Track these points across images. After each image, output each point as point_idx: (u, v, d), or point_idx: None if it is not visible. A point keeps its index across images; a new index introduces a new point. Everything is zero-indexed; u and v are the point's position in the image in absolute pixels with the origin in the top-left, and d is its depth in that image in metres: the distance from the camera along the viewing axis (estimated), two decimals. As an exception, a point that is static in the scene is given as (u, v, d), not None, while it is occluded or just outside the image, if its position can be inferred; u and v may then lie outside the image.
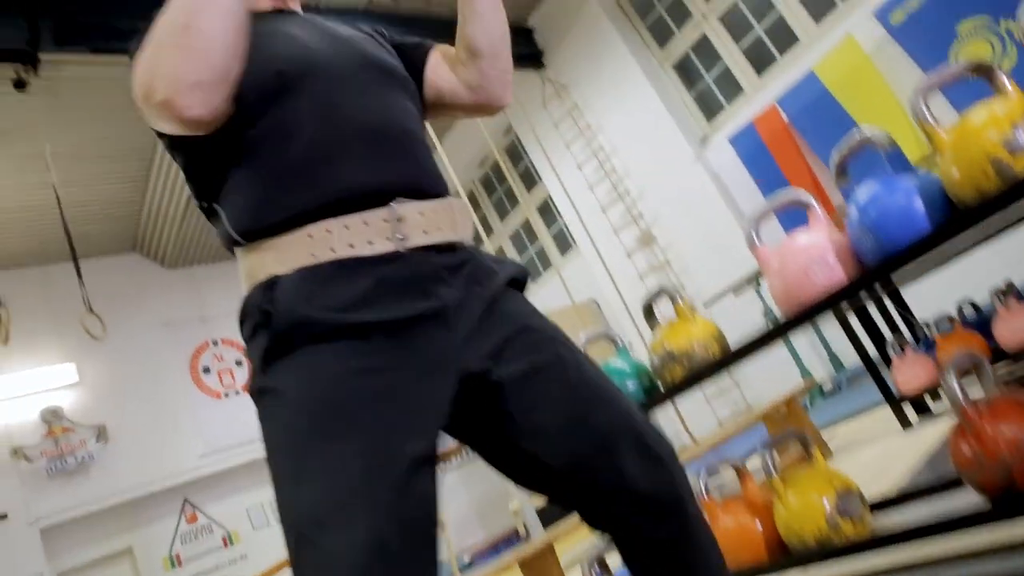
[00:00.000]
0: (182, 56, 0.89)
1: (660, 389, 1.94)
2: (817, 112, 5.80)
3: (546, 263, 9.36)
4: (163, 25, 0.90)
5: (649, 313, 2.06)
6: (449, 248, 1.01)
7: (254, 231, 0.97)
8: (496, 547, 8.26)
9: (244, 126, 0.98)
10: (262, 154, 0.98)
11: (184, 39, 0.89)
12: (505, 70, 1.20)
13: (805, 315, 1.52)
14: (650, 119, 7.06)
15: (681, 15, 6.89)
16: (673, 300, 1.96)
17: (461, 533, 8.54)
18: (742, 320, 6.62)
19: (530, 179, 9.00)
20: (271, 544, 8.60)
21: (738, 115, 6.57)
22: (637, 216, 7.48)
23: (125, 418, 7.91)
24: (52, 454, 7.49)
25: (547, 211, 8.94)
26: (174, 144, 1.03)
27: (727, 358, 1.73)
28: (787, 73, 6.14)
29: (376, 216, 0.95)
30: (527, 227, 9.30)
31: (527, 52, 7.64)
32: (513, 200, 9.27)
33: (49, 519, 7.32)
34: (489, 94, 1.20)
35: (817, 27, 6.00)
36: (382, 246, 0.95)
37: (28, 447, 7.41)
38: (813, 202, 1.64)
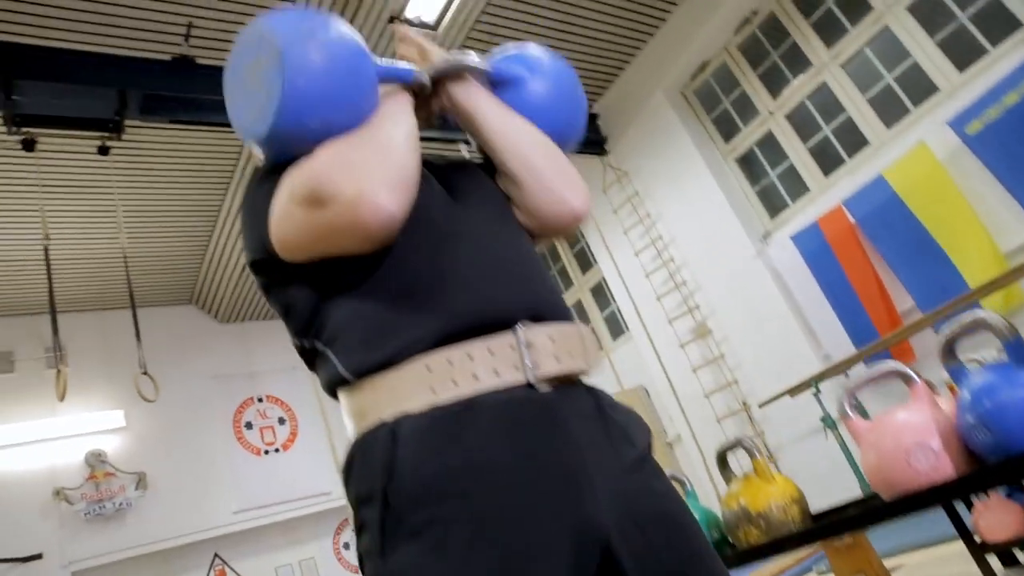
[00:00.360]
0: (376, 155, 0.87)
1: (733, 545, 1.83)
2: (886, 216, 5.69)
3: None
4: (341, 143, 0.90)
5: (723, 463, 1.97)
6: (580, 378, 0.95)
7: (366, 367, 0.89)
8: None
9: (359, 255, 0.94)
10: (376, 282, 0.92)
11: (374, 143, 0.89)
12: (553, 184, 1.06)
13: (908, 504, 1.41)
14: (711, 211, 7.02)
15: (747, 110, 6.91)
16: (751, 454, 1.87)
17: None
18: (796, 421, 6.44)
19: (585, 261, 8.99)
20: (295, 608, 8.45)
21: (802, 213, 6.49)
22: (693, 307, 7.37)
23: (165, 467, 7.96)
24: (92, 498, 7.54)
25: (600, 293, 8.90)
26: (285, 278, 0.98)
27: (811, 531, 1.63)
28: (855, 175, 6.06)
29: (502, 342, 0.87)
30: (579, 308, 9.25)
31: (591, 138, 7.73)
32: (567, 280, 9.26)
33: (82, 563, 7.33)
34: (544, 215, 1.07)
35: (888, 131, 5.93)
36: (510, 376, 0.87)
37: (70, 489, 7.48)
38: (916, 377, 1.55)
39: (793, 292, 6.44)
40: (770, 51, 6.69)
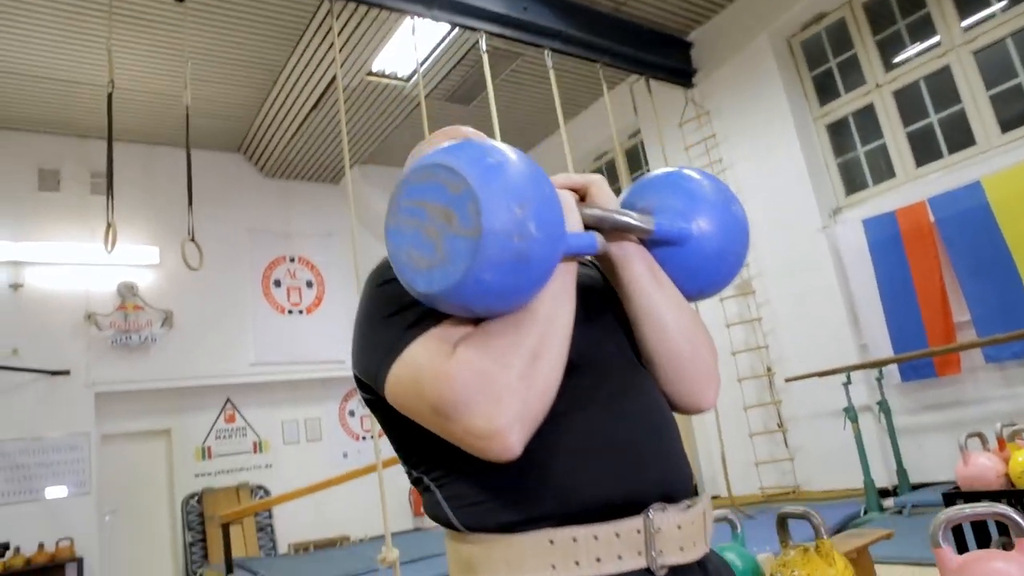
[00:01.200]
0: (523, 389, 0.80)
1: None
2: (970, 225, 5.39)
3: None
4: (508, 344, 0.81)
5: (783, 525, 1.92)
6: (700, 566, 0.92)
7: (482, 527, 0.87)
8: None
9: None
10: None
11: (532, 371, 0.81)
12: (693, 381, 1.01)
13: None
14: (786, 172, 6.69)
15: (853, 76, 6.41)
16: (817, 532, 1.81)
17: None
18: (816, 401, 6.43)
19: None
20: (297, 462, 8.90)
21: (881, 198, 6.17)
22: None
23: (192, 310, 8.14)
24: (120, 327, 7.78)
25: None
26: (394, 418, 0.94)
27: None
28: (950, 173, 5.70)
29: (629, 527, 0.86)
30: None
31: (679, 66, 7.27)
32: (617, 202, 9.03)
33: (105, 386, 7.67)
34: (673, 400, 1.03)
35: (1001, 136, 5.51)
36: (633, 562, 0.85)
37: (101, 315, 7.70)
38: (1021, 523, 1.46)
39: (849, 276, 6.23)
40: (897, 17, 6.11)
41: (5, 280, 7.37)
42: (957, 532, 3.10)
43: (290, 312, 9.13)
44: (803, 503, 6.50)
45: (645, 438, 0.92)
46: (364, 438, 9.57)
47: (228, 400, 8.77)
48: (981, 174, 5.37)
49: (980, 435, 3.06)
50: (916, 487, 5.73)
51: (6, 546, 6.63)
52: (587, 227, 0.93)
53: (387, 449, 7.41)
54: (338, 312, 9.26)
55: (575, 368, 0.89)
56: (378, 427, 9.32)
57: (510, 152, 0.79)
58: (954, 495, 3.02)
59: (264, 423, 8.96)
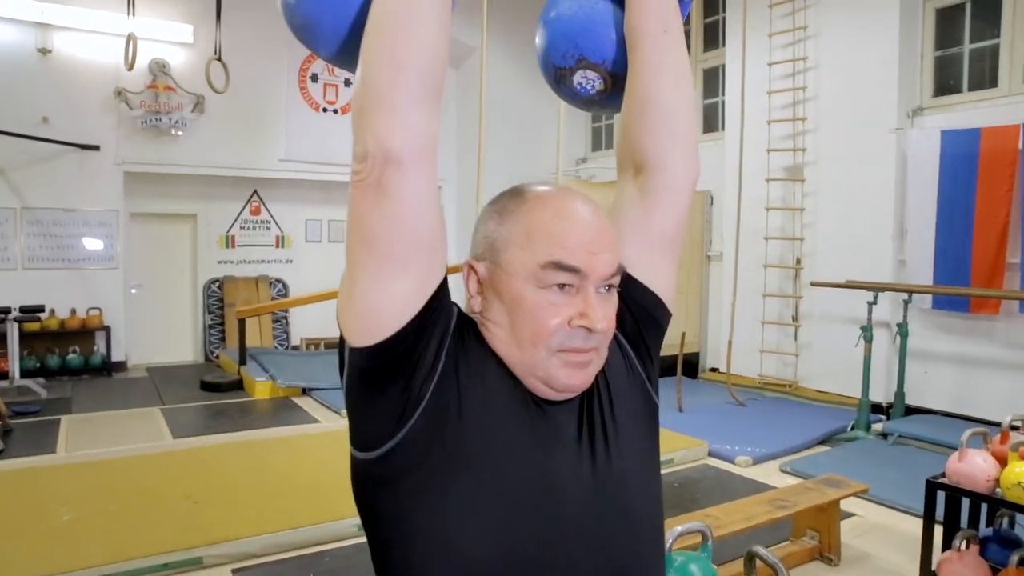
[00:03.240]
0: (397, 32, 0.75)
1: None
2: (1058, 163, 4.91)
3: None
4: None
5: (750, 562, 1.93)
6: None
7: None
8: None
9: (456, 482, 0.78)
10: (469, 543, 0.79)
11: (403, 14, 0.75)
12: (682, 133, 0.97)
13: None
14: (875, 57, 6.00)
15: (986, -45, 5.51)
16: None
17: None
18: (834, 307, 6.31)
19: (713, 36, 7.99)
20: (317, 260, 9.11)
21: (971, 110, 5.57)
22: (799, 147, 6.71)
23: (224, 98, 7.83)
24: (150, 107, 7.60)
25: (712, 79, 8.05)
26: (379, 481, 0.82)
27: None
28: (1059, 98, 5.09)
29: None
30: (683, 83, 8.44)
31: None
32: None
33: (134, 166, 7.68)
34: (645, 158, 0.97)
35: None
36: None
37: (131, 92, 7.49)
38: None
39: (908, 188, 5.82)
40: None
41: (32, 43, 7.09)
42: (952, 502, 3.14)
43: (324, 110, 8.84)
44: (797, 398, 6.66)
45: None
46: (386, 244, 9.70)
47: (255, 192, 8.80)
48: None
49: (985, 434, 2.98)
50: (910, 411, 5.79)
51: (42, 308, 7.04)
52: None
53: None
54: (373, 117, 8.94)
55: (533, 564, 0.79)
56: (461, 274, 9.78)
57: None
58: (939, 485, 3.01)
59: (288, 219, 9.06)
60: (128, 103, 7.43)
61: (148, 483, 4.19)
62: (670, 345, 7.54)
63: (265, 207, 8.89)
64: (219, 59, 4.28)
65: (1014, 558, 2.81)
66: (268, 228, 8.93)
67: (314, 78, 8.74)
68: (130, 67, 3.86)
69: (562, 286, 0.80)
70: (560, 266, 0.79)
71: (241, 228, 8.75)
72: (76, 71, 7.29)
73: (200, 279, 8.53)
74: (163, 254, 8.41)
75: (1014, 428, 3.02)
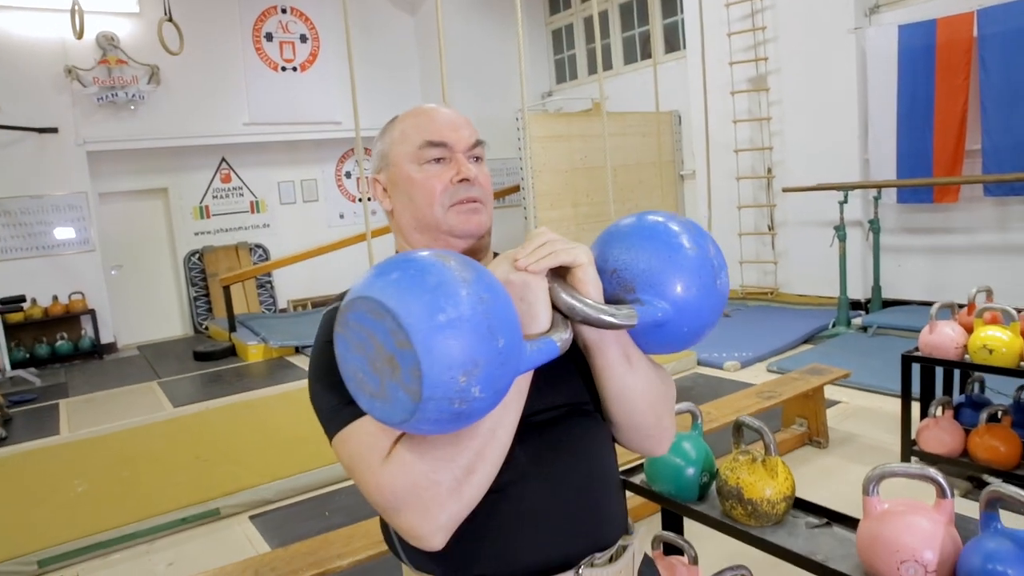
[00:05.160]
0: (452, 504, 0.83)
1: (713, 503, 2.02)
2: (1014, 47, 4.98)
3: (645, 53, 8.59)
4: (444, 457, 0.82)
5: (738, 431, 2.06)
6: None
7: (431, 572, 0.98)
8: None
9: None
10: None
11: (463, 486, 0.83)
12: (649, 438, 1.06)
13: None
14: (828, -42, 5.99)
15: None
16: (767, 448, 1.95)
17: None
18: (808, 211, 6.43)
19: (666, -46, 7.88)
20: (294, 222, 9.09)
21: (927, 3, 5.60)
22: (761, 57, 6.73)
23: (180, 66, 7.70)
24: (104, 83, 7.44)
25: (669, -1, 8.00)
26: None
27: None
28: (1008, -19, 5.12)
29: None
30: (642, 4, 8.36)
31: None
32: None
33: (96, 144, 7.55)
34: (628, 447, 1.10)
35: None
36: None
37: (82, 69, 7.32)
38: (946, 487, 1.56)
39: (869, 87, 5.88)
40: None
41: (-28, 27, 6.89)
42: (927, 373, 3.31)
43: (283, 69, 8.69)
44: (779, 304, 6.83)
45: (579, 499, 0.98)
46: (360, 200, 9.68)
47: (223, 160, 8.71)
48: (1043, -12, 4.83)
49: (952, 306, 3.13)
50: (887, 304, 5.98)
51: (23, 298, 7.01)
52: (560, 312, 0.88)
53: (376, 219, 7.57)
54: (334, 70, 8.82)
55: (518, 439, 0.90)
56: (369, 192, 9.50)
57: (467, 294, 0.72)
58: (913, 358, 3.16)
59: (260, 184, 8.99)
60: (81, 80, 7.27)
61: (157, 450, 4.28)
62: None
63: (235, 173, 8.81)
64: (170, 19, 4.19)
65: (983, 416, 2.99)
66: (241, 194, 8.87)
67: (269, 37, 8.57)
68: (79, 35, 3.77)
69: (438, 160, 1.00)
70: (431, 143, 0.99)
71: (214, 197, 8.69)
72: (21, 52, 7.10)
73: (179, 252, 8.50)
74: (139, 232, 8.35)
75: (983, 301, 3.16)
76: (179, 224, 8.47)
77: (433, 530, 0.83)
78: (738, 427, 2.06)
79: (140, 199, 8.31)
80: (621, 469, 2.18)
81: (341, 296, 0.93)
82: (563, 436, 0.99)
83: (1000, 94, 5.07)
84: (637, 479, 2.18)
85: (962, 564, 1.47)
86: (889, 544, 1.55)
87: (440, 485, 0.82)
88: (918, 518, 1.56)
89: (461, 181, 0.99)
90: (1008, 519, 1.48)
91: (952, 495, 1.56)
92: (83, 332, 7.61)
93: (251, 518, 3.42)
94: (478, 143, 1.03)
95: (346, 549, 2.36)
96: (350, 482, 3.73)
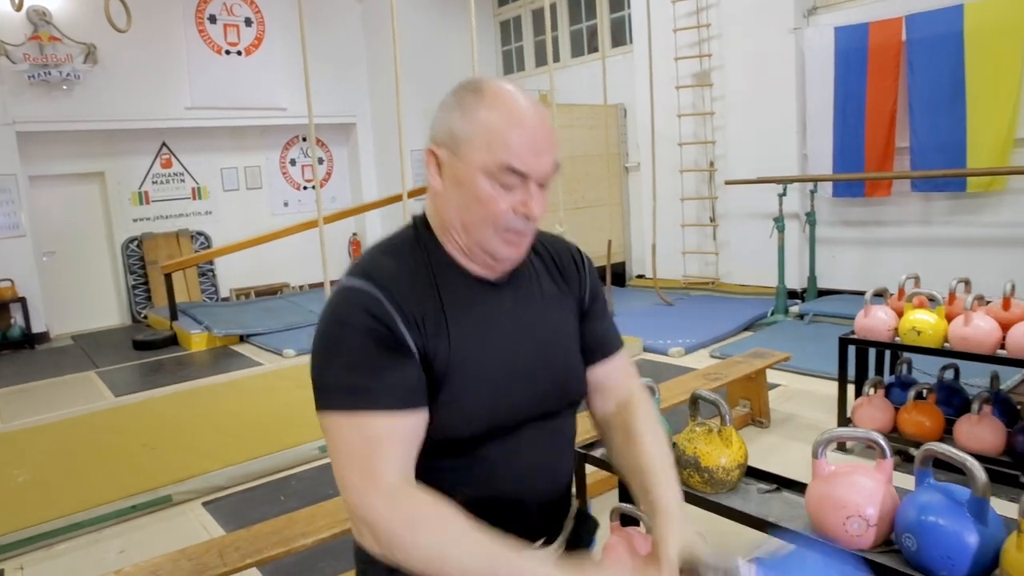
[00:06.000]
0: (414, 560, 0.87)
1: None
2: (938, 51, 5.28)
3: (592, 47, 8.72)
4: (424, 541, 0.87)
5: (694, 404, 2.15)
6: None
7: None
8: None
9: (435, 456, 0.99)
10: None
11: (424, 567, 0.87)
12: None
13: (828, 550, 1.67)
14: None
15: None
16: (723, 420, 2.05)
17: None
18: (748, 202, 6.67)
19: (614, -51, 8.01)
20: (237, 209, 8.91)
21: (859, 7, 5.88)
22: (705, 53, 6.93)
23: (118, 45, 7.43)
24: (36, 60, 7.13)
25: (617, -7, 8.13)
26: None
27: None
28: (936, -10, 5.42)
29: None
30: (590, 1, 8.49)
31: None
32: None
33: (26, 125, 7.24)
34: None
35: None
36: None
37: (11, 45, 7.00)
38: (886, 448, 1.69)
39: (807, 85, 6.14)
40: None
41: None
42: (861, 355, 3.51)
43: (228, 52, 8.49)
44: (721, 294, 7.06)
45: (532, 498, 1.08)
46: (305, 188, 9.55)
47: (164, 144, 8.45)
48: (968, -2, 5.13)
49: (884, 292, 3.33)
50: (823, 293, 6.26)
51: (-55, 284, 6.68)
52: None
53: (328, 204, 7.50)
54: (279, 56, 8.67)
55: (482, 442, 0.99)
56: (320, 177, 9.15)
57: None
58: (850, 340, 3.35)
59: (202, 170, 8.77)
60: (9, 56, 6.95)
61: (100, 439, 4.17)
62: (598, 256, 7.79)
63: (176, 159, 8.57)
64: (117, -4, 4.07)
65: (911, 394, 3.20)
66: (182, 180, 8.63)
67: (212, 19, 8.35)
68: (18, 7, 3.63)
69: (510, 185, 0.95)
70: (511, 170, 0.94)
71: (154, 183, 8.43)
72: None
73: (117, 239, 8.22)
74: (74, 217, 8.03)
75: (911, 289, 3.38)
76: (117, 210, 8.19)
77: (378, 553, 0.89)
78: (694, 400, 2.16)
79: (75, 183, 8.00)
80: (581, 444, 2.27)
81: (353, 270, 0.97)
82: (526, 441, 1.05)
83: (926, 96, 5.36)
84: (597, 452, 2.26)
85: (900, 517, 1.60)
86: (836, 502, 1.67)
87: (415, 549, 0.86)
88: (861, 477, 1.69)
89: (523, 214, 0.97)
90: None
91: (890, 456, 1.69)
92: (12, 321, 7.29)
93: (204, 504, 3.39)
94: (553, 171, 0.99)
95: (309, 528, 2.38)
96: (304, 467, 3.72)
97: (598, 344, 1.17)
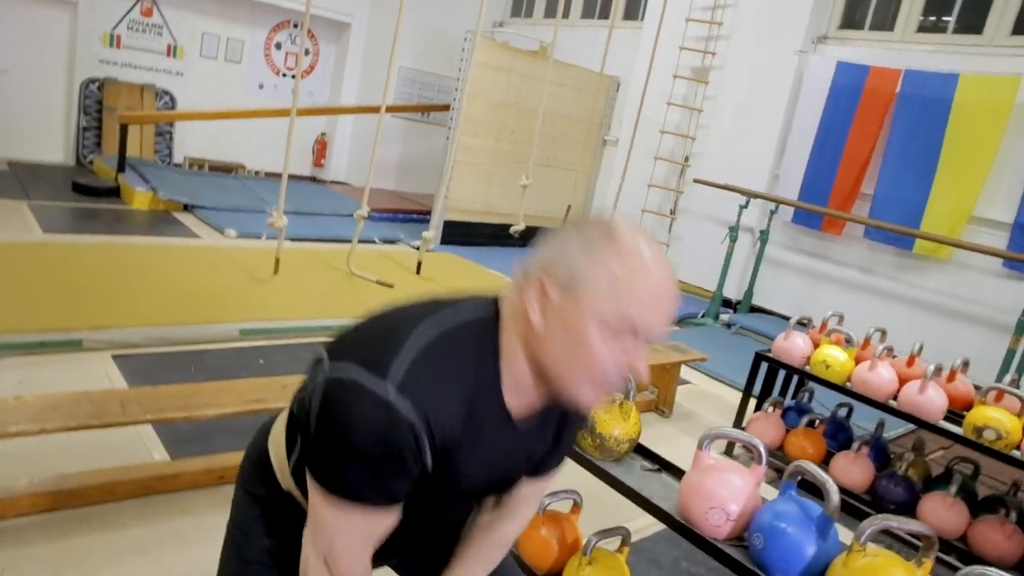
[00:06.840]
0: None
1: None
2: (926, 113, 5.44)
3: (603, 12, 8.64)
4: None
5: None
6: None
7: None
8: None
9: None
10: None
11: None
12: None
13: (687, 535, 1.83)
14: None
15: None
16: (628, 395, 2.19)
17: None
18: (710, 205, 6.82)
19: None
20: (209, 78, 8.61)
21: (865, 48, 6.00)
22: (710, 51, 6.97)
23: None
24: None
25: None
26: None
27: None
28: (940, 55, 5.57)
29: None
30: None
31: None
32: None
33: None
34: None
35: (1010, 38, 5.32)
36: None
37: None
38: (763, 455, 1.84)
39: (798, 109, 6.27)
40: None
41: None
42: (771, 373, 3.71)
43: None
44: (660, 286, 7.24)
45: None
46: (285, 75, 9.27)
47: (144, -11, 8.05)
48: (964, 69, 5.29)
49: (808, 321, 3.51)
50: (755, 309, 6.51)
51: None
52: None
53: (305, 99, 7.31)
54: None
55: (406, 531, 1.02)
56: (302, 68, 8.82)
57: None
58: (764, 358, 3.53)
59: (183, 29, 8.40)
60: None
61: (20, 270, 4.08)
62: (553, 219, 7.83)
63: (159, 9, 8.17)
64: None
65: (803, 420, 3.43)
66: (160, 34, 8.25)
67: None
68: None
69: (623, 344, 0.88)
70: (635, 333, 0.87)
71: (129, 28, 8.04)
72: None
73: (77, 76, 7.83)
74: (35, 40, 7.58)
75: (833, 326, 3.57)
76: (83, 46, 7.79)
77: None
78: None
79: (46, 5, 7.56)
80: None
81: (396, 367, 0.85)
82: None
83: (901, 150, 5.56)
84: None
85: (757, 518, 1.76)
86: (705, 492, 1.81)
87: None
88: (733, 476, 1.84)
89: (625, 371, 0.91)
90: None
91: (765, 463, 1.84)
92: (-52, 129, 6.94)
93: (114, 357, 3.38)
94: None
95: (214, 400, 2.41)
96: (222, 345, 3.74)
97: (543, 464, 1.17)
